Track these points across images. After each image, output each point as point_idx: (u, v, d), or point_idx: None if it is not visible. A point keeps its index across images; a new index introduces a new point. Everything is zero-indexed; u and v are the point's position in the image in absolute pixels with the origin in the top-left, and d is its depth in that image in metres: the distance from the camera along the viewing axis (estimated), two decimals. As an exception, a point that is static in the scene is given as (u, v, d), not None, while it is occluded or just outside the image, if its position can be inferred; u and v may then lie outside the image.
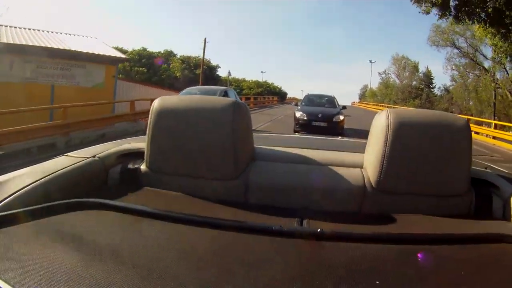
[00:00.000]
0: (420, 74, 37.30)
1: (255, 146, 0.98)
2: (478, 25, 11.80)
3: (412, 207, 0.83)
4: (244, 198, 0.87)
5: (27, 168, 0.81)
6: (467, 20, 11.37)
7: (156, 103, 0.87)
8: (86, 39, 14.19)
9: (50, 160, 0.88)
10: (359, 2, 78.65)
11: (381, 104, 32.68)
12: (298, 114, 9.81)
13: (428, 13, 11.34)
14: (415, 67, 37.37)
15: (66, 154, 0.94)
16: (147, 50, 32.77)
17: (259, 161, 0.94)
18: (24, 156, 6.04)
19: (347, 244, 0.59)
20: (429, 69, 35.08)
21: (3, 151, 5.95)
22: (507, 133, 12.17)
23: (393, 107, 26.57)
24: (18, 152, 6.16)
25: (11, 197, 0.67)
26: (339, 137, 2.34)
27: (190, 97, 0.92)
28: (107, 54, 12.63)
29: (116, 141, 1.10)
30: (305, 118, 9.50)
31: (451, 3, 10.87)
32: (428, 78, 36.32)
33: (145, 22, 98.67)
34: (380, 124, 0.84)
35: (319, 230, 0.59)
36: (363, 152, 0.95)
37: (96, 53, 12.23)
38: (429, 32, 18.38)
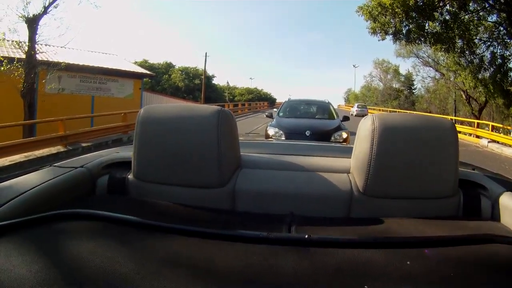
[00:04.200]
0: (401, 77, 39.19)
1: (241, 153, 0.98)
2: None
3: (400, 210, 0.82)
4: (232, 206, 0.87)
5: (13, 180, 0.80)
6: (416, 42, 14.41)
7: (142, 112, 0.87)
8: (112, 56, 17.12)
9: (37, 171, 0.87)
10: (344, 8, 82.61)
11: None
12: (272, 131, 5.96)
13: (383, 39, 13.96)
14: (396, 71, 39.32)
15: (53, 164, 0.93)
16: (148, 62, 35.61)
17: (245, 169, 0.94)
18: (105, 147, 8.74)
19: (335, 249, 0.58)
20: (410, 72, 36.19)
21: (90, 143, 8.72)
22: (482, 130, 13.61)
23: (373, 108, 29.32)
24: (99, 144, 8.90)
25: None
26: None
27: (176, 105, 0.92)
28: (136, 70, 15.69)
29: (104, 150, 1.10)
30: (283, 138, 5.71)
31: (403, 30, 13.70)
32: (409, 81, 37.94)
33: (141, 35, 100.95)
34: (366, 128, 0.84)
35: (306, 236, 0.58)
36: (350, 157, 0.93)
37: (127, 70, 15.24)
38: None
